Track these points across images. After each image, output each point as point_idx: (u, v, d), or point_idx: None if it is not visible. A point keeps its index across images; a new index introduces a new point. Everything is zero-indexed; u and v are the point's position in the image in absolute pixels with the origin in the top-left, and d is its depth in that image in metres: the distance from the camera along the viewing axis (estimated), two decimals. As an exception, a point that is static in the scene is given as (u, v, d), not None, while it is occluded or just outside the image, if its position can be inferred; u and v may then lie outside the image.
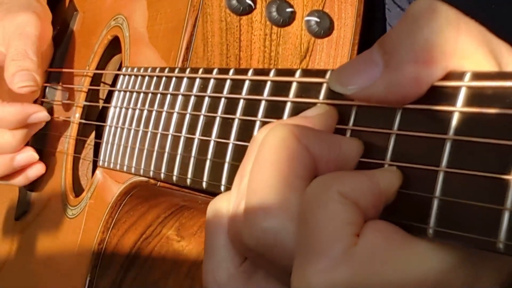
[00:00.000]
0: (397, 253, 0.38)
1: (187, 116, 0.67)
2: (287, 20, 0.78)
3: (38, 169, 1.02)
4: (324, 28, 0.79)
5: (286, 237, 0.41)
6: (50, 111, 1.09)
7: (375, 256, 0.38)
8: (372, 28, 0.86)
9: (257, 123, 0.55)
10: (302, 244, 0.39)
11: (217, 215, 0.49)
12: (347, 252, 0.38)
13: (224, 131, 0.60)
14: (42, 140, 1.09)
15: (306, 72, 0.51)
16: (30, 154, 1.00)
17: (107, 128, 0.85)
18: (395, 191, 0.40)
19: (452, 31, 0.39)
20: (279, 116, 0.53)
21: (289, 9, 0.78)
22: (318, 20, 0.79)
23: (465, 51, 0.39)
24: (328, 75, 0.49)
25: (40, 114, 0.97)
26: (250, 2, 0.77)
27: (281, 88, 0.53)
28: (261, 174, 0.43)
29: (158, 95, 0.73)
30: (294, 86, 0.52)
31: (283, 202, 0.42)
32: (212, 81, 0.64)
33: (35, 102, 1.08)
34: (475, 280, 0.38)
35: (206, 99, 0.64)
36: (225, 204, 0.49)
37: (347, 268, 0.38)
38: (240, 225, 0.44)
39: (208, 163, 0.62)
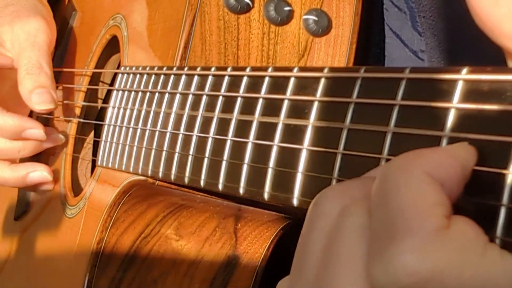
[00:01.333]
0: (486, 251, 0.34)
1: (185, 115, 0.67)
2: (285, 18, 0.78)
3: (47, 187, 1.02)
4: (322, 26, 0.79)
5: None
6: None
7: (469, 246, 0.33)
8: (370, 28, 0.86)
9: (255, 122, 0.55)
10: (383, 228, 0.35)
11: None
12: (441, 232, 0.33)
13: (222, 129, 0.60)
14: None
15: (303, 70, 0.52)
16: (43, 174, 1.00)
17: (106, 127, 0.85)
18: (472, 168, 0.36)
19: None
20: (276, 113, 0.53)
21: (287, 8, 0.78)
22: (316, 18, 0.79)
23: None
24: (325, 70, 0.49)
25: (35, 131, 0.96)
26: (248, 1, 0.77)
27: (278, 86, 0.53)
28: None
29: (156, 94, 0.73)
30: (291, 84, 0.52)
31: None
32: (210, 80, 0.64)
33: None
34: None
35: (204, 97, 0.64)
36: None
37: (442, 249, 0.33)
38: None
39: (206, 161, 0.62)
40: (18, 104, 0.98)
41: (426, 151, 0.36)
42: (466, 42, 0.78)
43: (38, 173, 0.99)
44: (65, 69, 1.09)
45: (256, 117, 0.55)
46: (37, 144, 0.98)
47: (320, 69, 0.50)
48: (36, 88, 0.94)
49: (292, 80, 0.52)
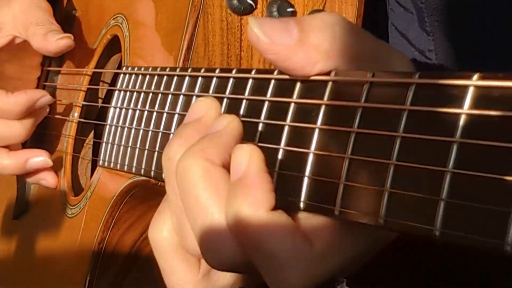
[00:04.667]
0: (341, 240, 0.48)
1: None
2: (288, 20, 0.78)
3: (49, 182, 1.02)
4: (325, 28, 0.79)
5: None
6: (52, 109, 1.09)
7: (328, 254, 0.47)
8: (374, 29, 0.86)
9: (260, 124, 0.55)
10: (264, 267, 0.47)
11: (162, 237, 0.55)
12: (310, 254, 0.47)
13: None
14: (41, 139, 1.09)
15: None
16: (44, 160, 0.99)
17: (107, 127, 0.85)
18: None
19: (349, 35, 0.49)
20: (282, 117, 0.53)
21: (290, 9, 0.78)
22: (318, 20, 0.78)
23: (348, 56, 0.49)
24: (333, 73, 0.49)
25: (45, 98, 0.97)
26: (251, 2, 0.77)
27: (284, 89, 0.53)
28: (203, 214, 0.49)
29: (159, 95, 0.73)
30: (298, 87, 0.52)
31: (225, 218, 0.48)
32: (214, 81, 0.64)
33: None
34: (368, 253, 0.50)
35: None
36: (165, 224, 0.55)
37: (322, 268, 0.48)
38: (197, 249, 0.51)
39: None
40: (21, 85, 0.98)
41: (252, 197, 0.48)
42: (476, 41, 0.79)
43: (39, 158, 0.99)
44: (65, 69, 1.08)
45: (262, 121, 0.55)
46: (34, 123, 0.99)
47: (328, 72, 0.50)
48: (50, 32, 0.94)
49: (298, 85, 0.52)
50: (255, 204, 0.47)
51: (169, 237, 0.55)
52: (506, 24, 0.77)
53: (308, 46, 0.49)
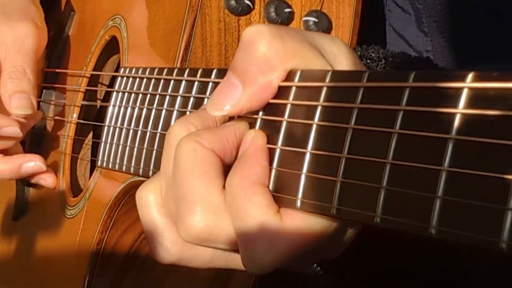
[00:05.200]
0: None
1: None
2: (285, 20, 0.78)
3: (48, 182, 1.02)
4: (322, 28, 0.79)
5: (220, 230, 0.52)
6: (48, 112, 1.10)
7: (295, 232, 0.50)
8: (372, 29, 0.87)
9: (258, 124, 0.55)
10: (246, 237, 0.51)
11: (149, 201, 0.59)
12: (278, 226, 0.50)
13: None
14: (40, 140, 1.09)
15: (305, 76, 0.52)
16: (38, 164, 1.00)
17: (106, 128, 0.86)
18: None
19: (278, 41, 0.51)
20: (280, 116, 0.53)
21: (287, 10, 0.78)
22: (316, 20, 0.79)
23: (293, 51, 0.51)
24: (328, 75, 0.49)
25: (9, 129, 0.97)
26: (248, 3, 0.77)
27: (281, 91, 0.53)
28: (185, 184, 0.53)
29: (157, 95, 0.74)
30: (292, 93, 0.52)
31: (210, 202, 0.52)
32: (211, 82, 0.64)
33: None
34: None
35: (206, 100, 0.64)
36: (153, 186, 0.59)
37: (286, 241, 0.50)
38: (178, 226, 0.54)
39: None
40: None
41: (242, 167, 0.52)
42: (474, 41, 0.79)
43: (32, 163, 1.00)
44: (63, 70, 1.09)
45: (260, 117, 0.55)
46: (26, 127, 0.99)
47: (323, 73, 0.50)
48: (17, 93, 0.95)
49: (293, 90, 0.52)
50: (244, 176, 0.51)
51: (154, 197, 0.58)
52: (504, 24, 0.77)
53: (251, 78, 0.52)
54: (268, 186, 0.52)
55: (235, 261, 0.57)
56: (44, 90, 1.10)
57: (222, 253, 0.56)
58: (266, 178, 0.52)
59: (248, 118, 0.56)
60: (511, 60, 0.74)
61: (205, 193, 0.52)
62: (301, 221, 0.50)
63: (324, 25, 0.79)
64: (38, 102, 1.09)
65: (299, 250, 0.50)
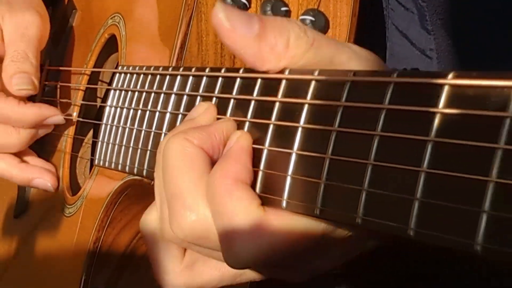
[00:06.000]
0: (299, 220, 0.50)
1: (180, 115, 0.66)
2: (282, 19, 0.77)
3: (46, 186, 1.03)
4: (319, 27, 0.78)
5: (211, 224, 0.51)
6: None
7: (285, 224, 0.50)
8: (371, 28, 0.86)
9: (247, 123, 0.55)
10: (223, 228, 0.50)
11: (150, 226, 0.59)
12: (262, 223, 0.49)
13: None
14: (41, 138, 1.09)
15: (294, 72, 0.51)
16: (47, 185, 1.01)
17: (103, 126, 0.85)
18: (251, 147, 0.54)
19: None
20: (267, 116, 0.52)
21: (284, 8, 0.78)
22: (313, 19, 0.78)
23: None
24: (316, 73, 0.49)
25: (57, 118, 0.98)
26: (244, 1, 0.77)
27: (270, 88, 0.53)
28: (174, 180, 0.53)
29: (152, 94, 0.73)
30: (283, 86, 0.52)
31: (199, 197, 0.52)
32: (204, 80, 0.64)
33: (32, 100, 1.08)
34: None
35: (198, 98, 0.64)
36: (154, 214, 0.59)
37: (266, 238, 0.49)
38: (171, 226, 0.53)
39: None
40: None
41: (225, 162, 0.52)
42: (478, 39, 0.78)
43: (42, 181, 1.01)
44: (64, 68, 1.09)
45: (248, 120, 0.55)
46: (32, 137, 0.99)
47: (311, 72, 0.50)
48: (17, 73, 0.95)
49: (283, 83, 0.52)
50: (225, 173, 0.51)
51: (155, 225, 0.58)
52: (508, 23, 0.76)
53: (263, 44, 0.51)
54: (254, 188, 0.51)
55: (243, 276, 0.57)
56: (45, 88, 1.10)
57: (228, 271, 0.56)
58: (248, 177, 0.51)
59: (236, 120, 0.56)
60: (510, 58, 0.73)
61: (195, 188, 0.52)
62: (285, 219, 0.49)
63: (321, 24, 0.78)
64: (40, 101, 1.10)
65: (285, 248, 0.50)
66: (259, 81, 0.55)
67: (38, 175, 1.00)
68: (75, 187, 1.01)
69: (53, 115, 0.98)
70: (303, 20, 0.78)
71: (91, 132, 1.04)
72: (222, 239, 0.51)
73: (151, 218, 0.59)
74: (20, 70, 0.95)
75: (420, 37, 0.84)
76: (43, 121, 0.97)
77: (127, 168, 0.77)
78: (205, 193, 0.52)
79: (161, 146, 0.56)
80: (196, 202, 0.52)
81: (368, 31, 0.86)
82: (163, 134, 0.69)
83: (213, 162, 0.54)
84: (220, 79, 0.61)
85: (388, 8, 0.88)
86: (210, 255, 0.56)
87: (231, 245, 0.50)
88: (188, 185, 0.52)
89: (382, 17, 0.89)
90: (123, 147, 0.78)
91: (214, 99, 0.61)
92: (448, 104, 0.37)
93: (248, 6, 0.77)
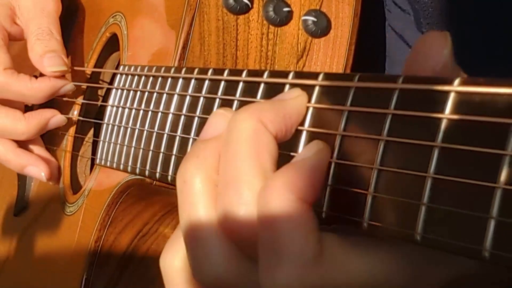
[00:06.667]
0: (353, 265, 0.43)
1: (182, 116, 0.67)
2: (284, 19, 0.78)
3: (39, 175, 1.02)
4: (321, 27, 0.79)
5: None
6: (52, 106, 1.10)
7: (337, 267, 0.42)
8: (370, 29, 0.86)
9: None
10: (269, 248, 0.43)
11: (174, 268, 0.50)
12: (316, 260, 0.42)
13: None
14: (41, 137, 1.10)
15: (299, 74, 0.51)
16: (40, 174, 1.00)
17: (104, 126, 0.86)
18: (326, 165, 0.45)
19: None
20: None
21: (286, 9, 0.78)
22: (315, 19, 0.78)
23: None
24: (320, 77, 0.49)
25: (68, 86, 0.97)
26: (247, 2, 0.77)
27: (274, 91, 0.53)
28: (235, 165, 0.45)
29: (155, 94, 0.73)
30: (286, 90, 0.52)
31: (255, 193, 0.44)
32: (207, 81, 0.64)
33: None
34: (416, 281, 0.43)
35: (201, 100, 0.64)
36: (179, 257, 0.50)
37: (317, 276, 0.42)
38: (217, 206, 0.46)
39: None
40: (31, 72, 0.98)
41: (291, 173, 0.43)
42: (474, 42, 0.78)
43: (36, 169, 1.00)
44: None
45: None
46: (41, 128, 0.99)
47: (315, 76, 0.50)
48: (47, 53, 0.94)
49: (287, 87, 0.52)
50: (292, 188, 0.43)
51: (181, 268, 0.49)
52: (504, 25, 0.76)
53: None
54: (321, 204, 0.46)
55: None
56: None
57: None
58: (313, 199, 0.44)
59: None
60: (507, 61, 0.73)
61: (254, 182, 0.44)
62: (339, 259, 0.43)
63: (323, 24, 0.79)
64: None
65: None
66: (262, 85, 0.55)
67: (33, 162, 1.00)
68: (76, 185, 1.01)
69: (65, 84, 0.97)
70: (305, 21, 0.79)
71: (91, 131, 1.04)
72: (266, 255, 0.43)
73: (173, 256, 0.51)
74: (49, 49, 0.95)
75: (416, 38, 0.84)
76: (57, 92, 0.96)
77: (129, 168, 0.77)
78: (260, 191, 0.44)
79: (187, 179, 0.48)
80: (251, 197, 0.44)
81: (369, 32, 0.86)
82: (165, 135, 0.69)
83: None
84: (223, 81, 0.61)
85: (385, 9, 0.88)
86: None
87: (274, 267, 0.42)
88: (248, 178, 0.44)
89: (382, 18, 0.89)
90: (125, 147, 0.78)
91: (217, 100, 0.61)
92: (455, 110, 0.37)
93: (250, 6, 0.77)
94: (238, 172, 0.45)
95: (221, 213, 0.46)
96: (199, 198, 0.47)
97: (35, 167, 1.00)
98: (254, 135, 0.45)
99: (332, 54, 0.79)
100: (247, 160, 0.45)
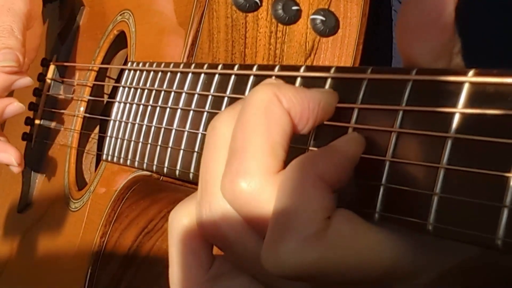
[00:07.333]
0: (360, 240, 0.42)
1: (191, 112, 0.67)
2: (292, 18, 0.78)
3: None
4: (330, 27, 0.79)
5: (263, 200, 0.44)
6: (55, 105, 1.10)
7: (341, 242, 0.41)
8: (377, 29, 0.87)
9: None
10: (278, 221, 0.42)
11: (181, 223, 0.50)
12: (319, 235, 0.41)
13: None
14: (46, 133, 1.10)
15: (310, 69, 0.52)
16: (9, 159, 0.98)
17: (111, 122, 0.86)
18: (359, 156, 0.44)
19: None
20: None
21: (295, 7, 0.78)
22: (323, 18, 0.79)
23: None
24: (332, 70, 0.49)
25: (23, 80, 0.96)
26: (256, 0, 0.77)
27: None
28: (244, 135, 0.45)
29: (163, 91, 0.74)
30: (298, 84, 0.52)
31: (264, 166, 0.44)
32: (216, 77, 0.64)
33: (38, 95, 1.09)
34: (422, 268, 0.43)
35: (210, 97, 0.64)
36: (188, 209, 0.50)
37: (317, 250, 0.41)
38: (223, 179, 0.45)
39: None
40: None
41: (318, 155, 0.43)
42: (480, 41, 0.79)
43: (6, 156, 0.98)
44: (71, 64, 1.09)
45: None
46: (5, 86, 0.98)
47: (327, 69, 0.50)
48: (2, 49, 0.94)
49: (298, 80, 0.52)
50: (313, 166, 0.42)
51: (187, 225, 0.50)
52: (508, 24, 0.77)
53: None
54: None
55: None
56: (52, 83, 1.11)
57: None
58: (336, 185, 0.43)
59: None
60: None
61: (261, 157, 0.43)
62: (349, 234, 0.42)
63: (331, 24, 0.79)
64: (46, 96, 1.10)
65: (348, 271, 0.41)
66: (273, 78, 0.55)
67: (2, 148, 0.99)
68: (81, 182, 1.01)
69: (20, 79, 0.95)
70: (313, 20, 0.79)
71: (97, 128, 1.05)
72: (274, 226, 0.42)
73: (183, 212, 0.51)
74: (5, 46, 0.94)
75: None
76: (10, 86, 0.95)
77: (136, 163, 0.77)
78: (272, 166, 0.43)
79: (216, 126, 0.48)
80: (260, 170, 0.44)
81: (376, 32, 0.86)
82: (173, 130, 0.70)
83: (294, 133, 0.45)
84: (233, 76, 0.61)
85: (392, 9, 0.88)
86: (243, 262, 0.47)
87: (280, 240, 0.41)
88: (254, 150, 0.44)
89: (389, 18, 0.89)
90: (132, 142, 0.79)
91: (226, 98, 0.61)
92: (469, 101, 0.38)
93: (259, 4, 0.78)
94: (246, 141, 0.44)
95: (226, 181, 0.45)
96: (222, 145, 0.47)
97: (4, 153, 0.99)
98: (266, 106, 0.44)
99: (340, 54, 0.80)
100: (256, 130, 0.44)
